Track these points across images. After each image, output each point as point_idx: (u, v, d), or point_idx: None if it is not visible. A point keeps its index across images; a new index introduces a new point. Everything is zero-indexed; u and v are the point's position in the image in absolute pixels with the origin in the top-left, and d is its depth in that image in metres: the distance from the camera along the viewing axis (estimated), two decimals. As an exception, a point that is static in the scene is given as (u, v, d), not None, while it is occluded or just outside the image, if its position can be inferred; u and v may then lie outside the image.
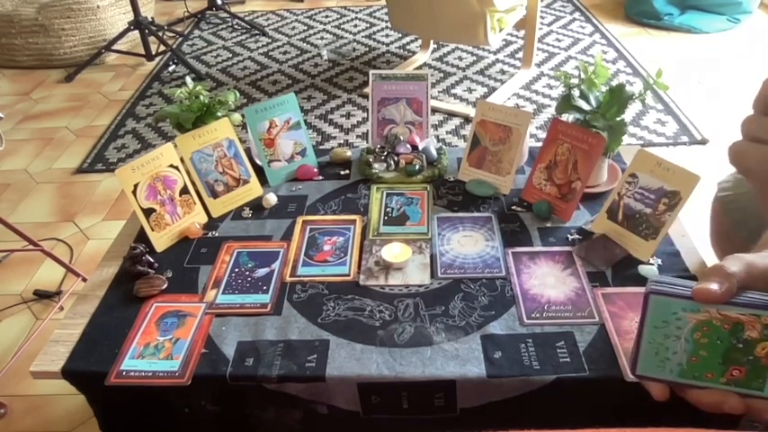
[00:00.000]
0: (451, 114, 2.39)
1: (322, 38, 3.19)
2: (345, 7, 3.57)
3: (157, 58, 3.03)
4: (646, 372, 0.46)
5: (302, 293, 1.00)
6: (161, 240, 1.11)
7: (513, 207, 1.18)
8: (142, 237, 1.11)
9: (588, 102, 1.14)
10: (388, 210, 1.19)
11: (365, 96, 2.53)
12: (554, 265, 1.03)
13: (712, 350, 0.44)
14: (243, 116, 1.26)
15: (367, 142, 1.80)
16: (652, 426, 0.45)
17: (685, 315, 0.43)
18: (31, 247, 1.55)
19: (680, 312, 0.43)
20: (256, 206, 1.22)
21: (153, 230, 1.10)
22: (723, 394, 0.43)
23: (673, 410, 0.55)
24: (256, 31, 3.29)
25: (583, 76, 1.16)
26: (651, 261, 1.02)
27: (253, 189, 1.24)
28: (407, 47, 3.03)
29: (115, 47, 2.98)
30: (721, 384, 0.44)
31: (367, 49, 3.03)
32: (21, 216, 1.97)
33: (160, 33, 3.04)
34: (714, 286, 0.41)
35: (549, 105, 2.43)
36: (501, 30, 2.30)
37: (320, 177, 1.31)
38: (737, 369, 0.43)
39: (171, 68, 2.92)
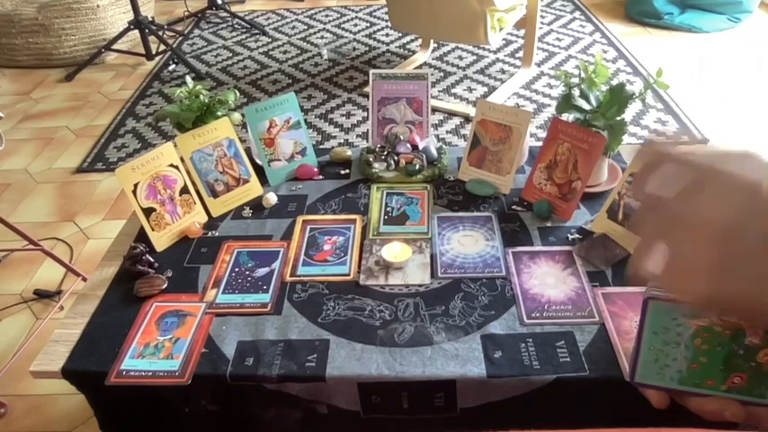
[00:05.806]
0: (452, 114, 2.39)
1: (322, 37, 3.18)
2: (345, 6, 3.57)
3: (157, 58, 3.03)
4: (645, 379, 0.45)
5: (302, 293, 0.99)
6: (161, 240, 1.11)
7: (514, 207, 1.18)
8: (142, 236, 1.11)
9: (588, 101, 1.14)
10: (388, 209, 1.19)
11: (365, 96, 2.53)
12: (554, 265, 1.03)
13: (713, 357, 0.43)
14: (243, 115, 1.26)
15: (367, 142, 1.80)
16: (652, 426, 0.44)
17: (685, 320, 0.43)
18: (31, 246, 1.55)
19: (680, 318, 0.43)
20: (256, 206, 1.22)
21: (153, 230, 1.10)
22: (724, 402, 0.42)
23: (672, 412, 0.55)
24: (256, 31, 3.28)
25: (583, 75, 1.16)
26: (651, 261, 1.02)
27: (253, 188, 1.24)
28: (407, 46, 3.03)
29: (115, 46, 2.98)
30: (722, 392, 0.43)
31: (367, 48, 3.03)
32: (21, 216, 1.97)
33: (160, 33, 3.04)
34: None
35: (549, 105, 2.43)
36: (501, 29, 2.30)
37: (320, 177, 1.31)
38: (739, 376, 0.42)
39: (171, 68, 2.91)
